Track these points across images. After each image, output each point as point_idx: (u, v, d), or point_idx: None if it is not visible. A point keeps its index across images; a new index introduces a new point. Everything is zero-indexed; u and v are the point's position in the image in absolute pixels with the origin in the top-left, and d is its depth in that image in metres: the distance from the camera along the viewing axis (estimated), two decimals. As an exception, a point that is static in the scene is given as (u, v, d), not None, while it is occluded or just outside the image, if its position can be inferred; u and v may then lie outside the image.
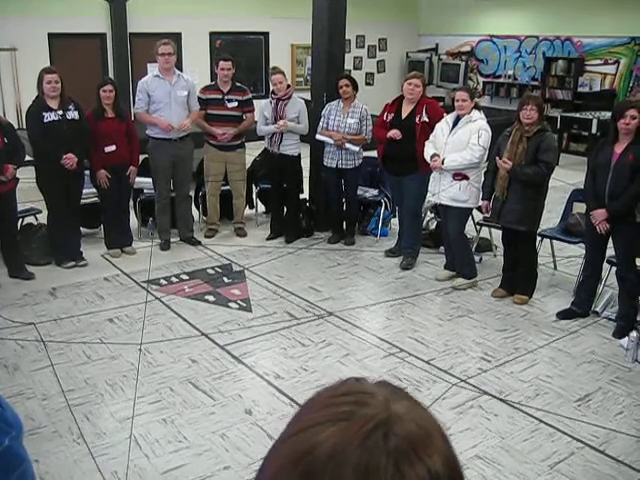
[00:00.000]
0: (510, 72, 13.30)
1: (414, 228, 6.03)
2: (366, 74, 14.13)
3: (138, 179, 6.18)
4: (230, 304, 5.17)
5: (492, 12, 13.29)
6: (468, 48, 14.01)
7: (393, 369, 4.20)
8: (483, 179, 5.30)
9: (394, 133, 5.65)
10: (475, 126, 5.19)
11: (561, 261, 6.13)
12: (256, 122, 6.55)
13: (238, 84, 6.54)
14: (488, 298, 5.37)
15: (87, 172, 5.86)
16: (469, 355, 4.41)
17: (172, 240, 6.43)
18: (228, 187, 6.71)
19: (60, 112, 5.41)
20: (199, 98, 6.33)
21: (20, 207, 5.75)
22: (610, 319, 4.92)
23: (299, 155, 6.50)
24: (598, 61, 11.90)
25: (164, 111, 6.01)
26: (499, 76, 13.57)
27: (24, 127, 5.87)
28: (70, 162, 5.43)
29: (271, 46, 12.76)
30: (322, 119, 6.32)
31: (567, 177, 8.91)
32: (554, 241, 5.93)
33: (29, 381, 3.94)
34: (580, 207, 5.42)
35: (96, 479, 3.08)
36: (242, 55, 11.79)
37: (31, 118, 5.44)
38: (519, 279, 5.27)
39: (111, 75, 10.65)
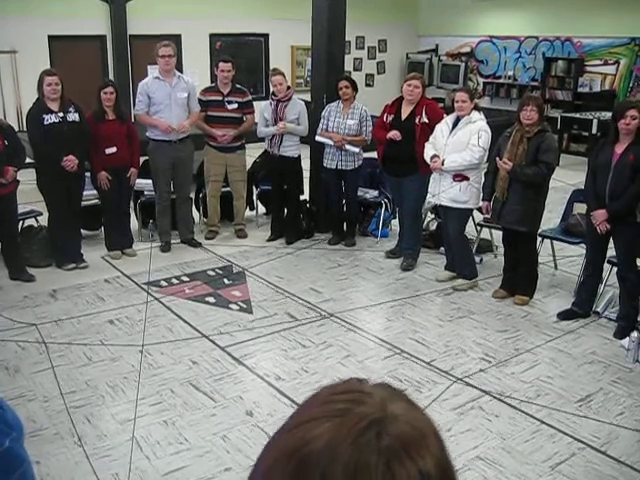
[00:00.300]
0: (510, 73, 13.30)
1: (414, 229, 6.03)
2: (366, 75, 14.13)
3: (138, 181, 6.19)
4: (231, 305, 5.17)
5: (492, 13, 13.30)
6: (468, 49, 14.01)
7: (394, 370, 4.20)
8: (483, 180, 5.30)
9: (394, 134, 5.65)
10: (475, 127, 5.19)
11: (562, 261, 6.13)
12: (256, 124, 6.56)
13: (238, 86, 6.55)
14: (489, 299, 5.37)
15: (88, 174, 5.86)
16: (470, 356, 4.41)
17: (172, 242, 6.44)
18: (228, 189, 6.71)
19: (60, 114, 5.41)
20: (199, 100, 6.33)
21: (21, 209, 5.75)
22: (611, 319, 4.92)
23: (299, 156, 6.51)
24: (598, 61, 11.90)
25: (164, 113, 6.02)
26: (499, 77, 13.57)
27: (25, 129, 5.88)
28: (71, 164, 5.43)
29: (271, 47, 12.76)
30: (322, 120, 6.32)
31: (567, 177, 8.90)
32: (555, 242, 5.93)
33: (30, 383, 3.94)
34: (581, 207, 5.42)
35: (97, 481, 3.08)
36: (242, 57, 11.79)
37: (31, 120, 5.45)
38: (520, 280, 5.27)
39: (111, 77, 10.66)
